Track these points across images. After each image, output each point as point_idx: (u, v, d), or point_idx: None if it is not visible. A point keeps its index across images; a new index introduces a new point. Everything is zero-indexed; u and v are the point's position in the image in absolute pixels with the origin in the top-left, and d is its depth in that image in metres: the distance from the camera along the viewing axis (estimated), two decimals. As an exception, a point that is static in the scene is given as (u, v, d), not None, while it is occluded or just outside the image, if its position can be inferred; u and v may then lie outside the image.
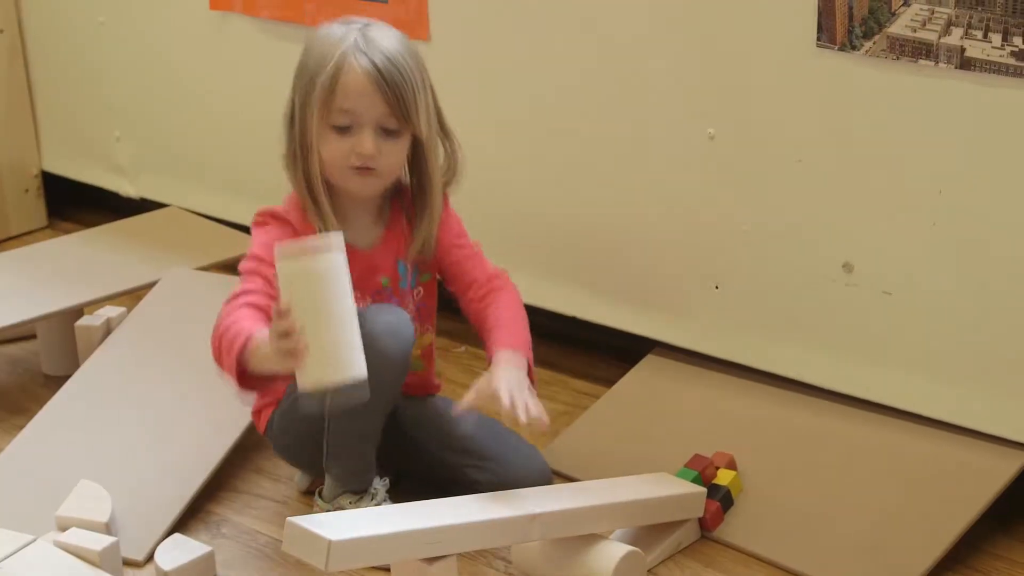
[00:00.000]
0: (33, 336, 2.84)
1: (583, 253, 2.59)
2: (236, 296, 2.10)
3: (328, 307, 1.92)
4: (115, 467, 2.33)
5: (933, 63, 2.10)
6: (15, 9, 3.37)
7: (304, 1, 2.83)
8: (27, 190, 3.45)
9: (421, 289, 2.26)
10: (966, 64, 2.07)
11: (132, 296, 2.81)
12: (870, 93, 2.18)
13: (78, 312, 2.75)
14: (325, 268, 1.92)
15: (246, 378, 2.03)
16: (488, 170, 2.57)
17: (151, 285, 2.78)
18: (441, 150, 2.22)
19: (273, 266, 2.05)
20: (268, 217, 2.19)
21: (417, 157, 2.20)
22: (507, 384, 2.08)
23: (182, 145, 3.21)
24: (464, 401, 2.12)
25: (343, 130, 2.12)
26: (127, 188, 3.35)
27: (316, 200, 2.15)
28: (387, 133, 2.13)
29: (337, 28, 2.15)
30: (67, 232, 3.28)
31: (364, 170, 2.13)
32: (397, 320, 2.13)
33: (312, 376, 1.92)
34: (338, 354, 1.92)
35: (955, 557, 2.09)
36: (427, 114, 2.15)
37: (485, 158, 2.54)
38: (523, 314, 2.26)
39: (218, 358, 2.06)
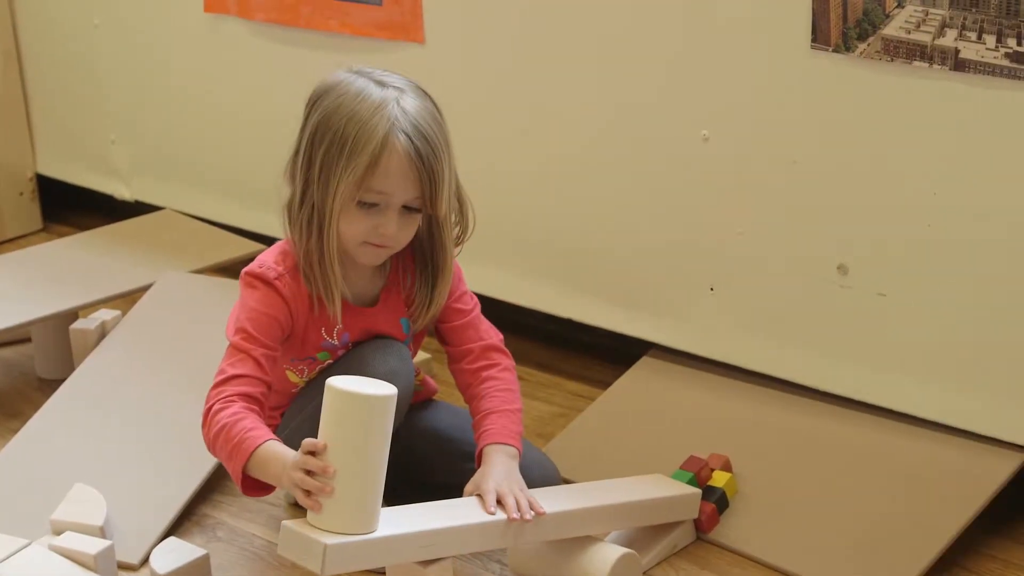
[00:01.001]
0: (28, 339, 2.84)
1: (578, 255, 2.59)
2: (226, 380, 2.04)
3: (373, 458, 1.83)
4: (110, 470, 2.33)
5: (927, 64, 2.10)
6: (9, 12, 3.37)
7: (299, 4, 2.83)
8: (22, 193, 3.45)
9: (412, 338, 2.23)
10: (960, 65, 2.07)
11: (127, 299, 2.81)
12: (864, 95, 2.18)
13: (73, 315, 2.75)
14: (381, 414, 1.82)
15: (248, 481, 1.99)
16: (483, 173, 2.57)
17: (146, 288, 2.78)
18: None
19: (265, 347, 2.04)
20: (257, 282, 2.09)
21: (432, 231, 2.13)
22: (495, 484, 2.02)
23: (177, 148, 3.21)
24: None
25: (369, 206, 2.03)
26: (122, 191, 3.35)
27: (326, 269, 2.06)
28: (408, 210, 2.06)
29: (373, 91, 2.02)
30: (62, 235, 3.28)
31: (379, 246, 2.07)
32: (400, 362, 2.12)
33: (331, 523, 1.83)
34: (366, 508, 1.85)
35: (950, 558, 2.09)
36: (449, 194, 2.07)
37: (480, 161, 2.54)
38: (517, 397, 2.19)
39: (212, 450, 2.03)
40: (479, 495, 2.01)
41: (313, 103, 2.06)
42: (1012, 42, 2.01)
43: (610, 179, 2.51)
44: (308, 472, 1.84)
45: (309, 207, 2.05)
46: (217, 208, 3.12)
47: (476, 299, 2.24)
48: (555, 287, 2.62)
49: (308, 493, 1.84)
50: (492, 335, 2.23)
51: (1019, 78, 2.02)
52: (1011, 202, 2.09)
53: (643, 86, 2.43)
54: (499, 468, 2.05)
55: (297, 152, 2.07)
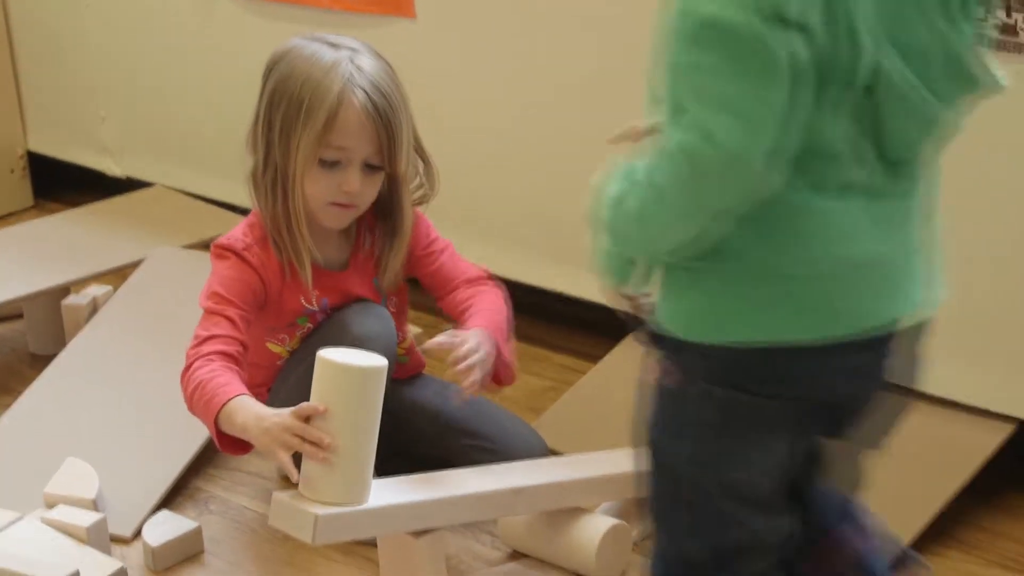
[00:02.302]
0: (20, 315, 2.84)
1: (568, 228, 2.59)
2: (203, 341, 2.04)
3: (365, 429, 1.82)
4: (102, 444, 2.33)
5: (916, 37, 2.10)
6: (-1, -11, 3.37)
7: (289, -21, 2.83)
8: (12, 170, 3.45)
9: (395, 298, 2.25)
10: (949, 38, 2.07)
11: (118, 275, 2.82)
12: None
13: (64, 291, 2.75)
14: (373, 385, 1.82)
15: (224, 437, 1.99)
16: (474, 148, 2.57)
17: (137, 264, 2.78)
18: (416, 172, 2.17)
19: (238, 308, 2.05)
20: (227, 252, 2.11)
21: (391, 189, 2.15)
22: (469, 345, 2.05)
23: (167, 124, 3.21)
24: (431, 341, 2.08)
25: (330, 164, 2.06)
26: (113, 168, 3.35)
27: (294, 232, 2.08)
28: (370, 168, 2.08)
29: (326, 52, 2.06)
30: (53, 212, 3.28)
31: (344, 206, 2.09)
32: (380, 324, 2.13)
33: (322, 494, 1.82)
34: (358, 479, 1.84)
35: (939, 529, 2.10)
36: (407, 150, 2.10)
37: (470, 137, 2.54)
38: (504, 309, 2.21)
39: (191, 408, 2.03)
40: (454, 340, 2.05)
41: (269, 70, 2.10)
42: (1002, 14, 2.01)
43: (602, 152, 2.50)
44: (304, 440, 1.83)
45: (272, 172, 2.09)
46: (207, 184, 3.12)
47: (449, 242, 2.26)
48: (545, 260, 2.63)
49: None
50: (474, 270, 2.25)
51: (1009, 51, 2.02)
52: (1001, 174, 2.09)
53: (637, 59, 2.42)
54: (478, 336, 2.07)
55: (256, 120, 2.10)
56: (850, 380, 1.47)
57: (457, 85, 2.57)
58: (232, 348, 2.05)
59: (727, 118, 1.30)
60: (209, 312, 2.08)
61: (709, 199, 1.34)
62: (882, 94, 1.37)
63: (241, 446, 1.99)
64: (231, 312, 2.07)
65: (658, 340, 1.49)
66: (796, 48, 1.29)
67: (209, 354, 2.03)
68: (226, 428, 1.96)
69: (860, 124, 1.38)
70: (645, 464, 1.56)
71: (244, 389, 1.98)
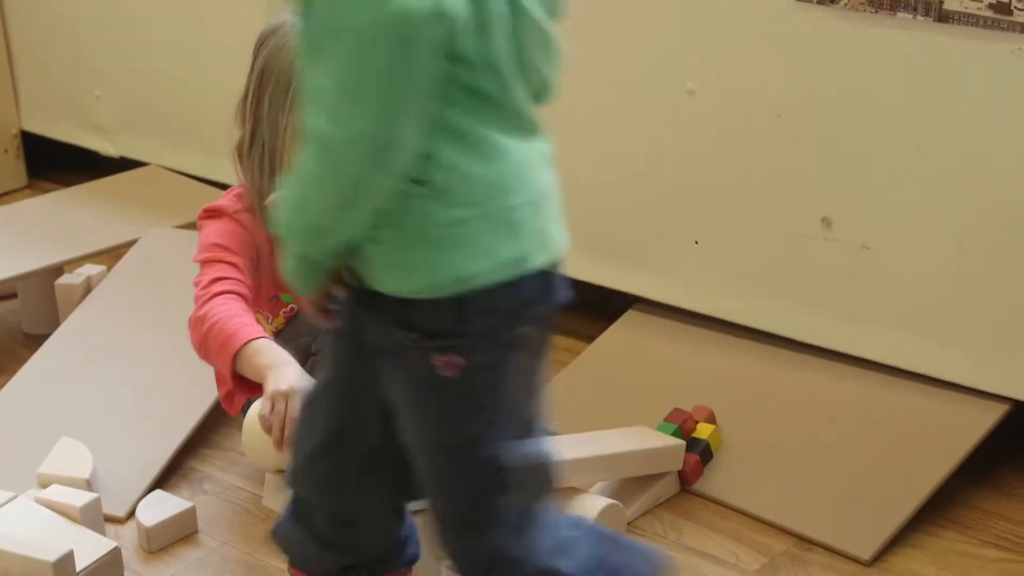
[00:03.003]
0: (14, 295, 2.84)
1: (563, 208, 2.59)
2: (212, 281, 2.03)
3: None
4: (96, 424, 2.33)
5: (911, 16, 2.10)
6: (-7, -32, 3.36)
7: (283, -42, 2.82)
8: (7, 150, 3.44)
9: None
10: (944, 17, 2.07)
11: (112, 254, 2.81)
12: (849, 47, 2.18)
13: (58, 270, 2.74)
14: None
15: (239, 379, 1.98)
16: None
17: (131, 243, 2.78)
18: None
19: (238, 255, 2.04)
20: (217, 213, 2.12)
21: None
22: None
23: (162, 104, 3.20)
24: None
25: None
26: (107, 147, 3.34)
27: None
28: None
29: None
30: (47, 191, 3.27)
31: None
32: None
33: None
34: None
35: (933, 508, 2.10)
36: None
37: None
38: None
39: (202, 349, 2.01)
40: None
41: (259, 45, 2.10)
42: (996, -7, 2.01)
43: (595, 133, 2.51)
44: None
45: (260, 147, 2.09)
46: (202, 164, 3.11)
47: None
48: (540, 241, 2.62)
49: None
50: None
51: (1003, 29, 2.02)
52: (994, 154, 2.09)
53: (628, 40, 2.43)
54: None
55: (246, 95, 2.11)
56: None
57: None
58: (242, 289, 2.04)
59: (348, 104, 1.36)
60: (209, 261, 2.06)
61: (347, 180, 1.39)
62: (523, 26, 1.47)
63: (253, 389, 1.98)
64: (233, 259, 2.06)
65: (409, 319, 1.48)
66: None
67: (223, 292, 2.01)
68: (243, 369, 1.94)
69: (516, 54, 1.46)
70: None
71: (267, 334, 1.97)
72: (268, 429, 1.83)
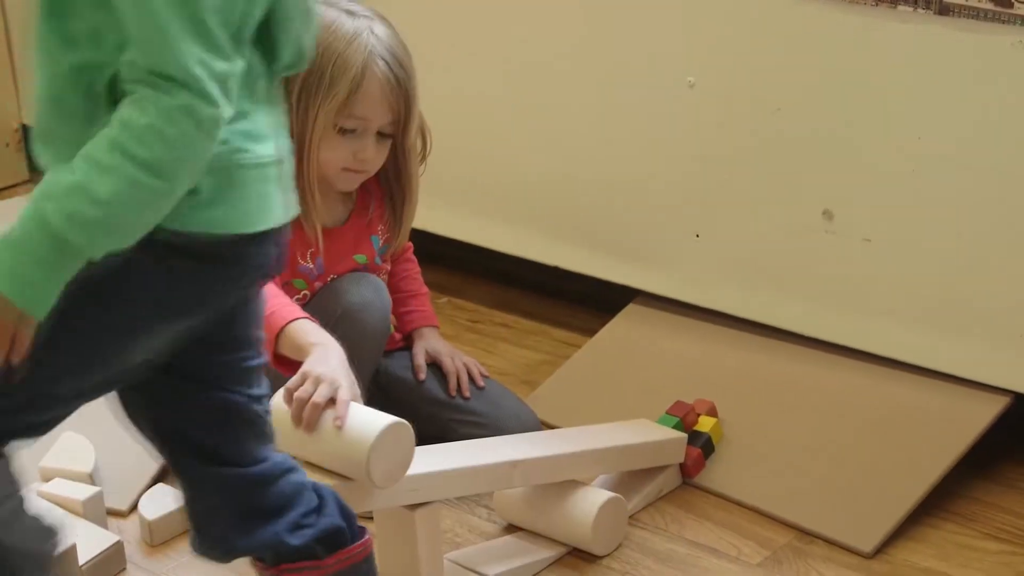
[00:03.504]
0: (15, 289, 2.83)
1: (564, 203, 2.59)
2: None
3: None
4: (99, 418, 2.31)
5: (912, 8, 2.10)
6: (-7, -38, 3.36)
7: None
8: (7, 144, 3.44)
9: (386, 266, 2.27)
10: (945, 9, 2.07)
11: (114, 248, 2.81)
12: (850, 39, 2.18)
13: (60, 265, 2.74)
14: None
15: (278, 357, 1.97)
16: (467, 121, 2.57)
17: (132, 237, 2.77)
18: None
19: None
20: None
21: (401, 155, 2.19)
22: (449, 354, 2.27)
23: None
24: (418, 365, 2.25)
25: (348, 132, 2.10)
26: (108, 141, 3.33)
27: (305, 197, 2.08)
28: (381, 136, 2.13)
29: (345, 21, 2.09)
30: (48, 186, 3.27)
31: (355, 171, 2.14)
32: (374, 293, 2.14)
33: (333, 460, 1.81)
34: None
35: (934, 501, 2.10)
36: (417, 118, 2.16)
37: (463, 109, 2.54)
38: (424, 289, 2.36)
39: None
40: (437, 361, 2.26)
41: None
42: (997, -14, 2.01)
43: (595, 126, 2.51)
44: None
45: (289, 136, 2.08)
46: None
47: None
48: (541, 235, 2.62)
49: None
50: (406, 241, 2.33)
51: (1003, 22, 2.02)
52: (995, 146, 2.09)
53: (629, 32, 2.42)
54: (443, 344, 2.30)
55: None
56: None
57: (448, 57, 2.56)
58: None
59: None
60: None
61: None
62: None
63: (293, 368, 1.95)
64: None
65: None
66: None
67: None
68: (284, 347, 1.96)
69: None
70: None
71: (305, 314, 1.99)
72: (290, 401, 1.83)
